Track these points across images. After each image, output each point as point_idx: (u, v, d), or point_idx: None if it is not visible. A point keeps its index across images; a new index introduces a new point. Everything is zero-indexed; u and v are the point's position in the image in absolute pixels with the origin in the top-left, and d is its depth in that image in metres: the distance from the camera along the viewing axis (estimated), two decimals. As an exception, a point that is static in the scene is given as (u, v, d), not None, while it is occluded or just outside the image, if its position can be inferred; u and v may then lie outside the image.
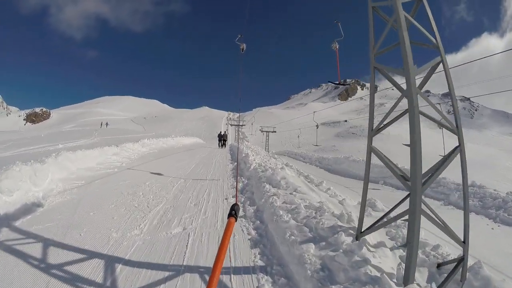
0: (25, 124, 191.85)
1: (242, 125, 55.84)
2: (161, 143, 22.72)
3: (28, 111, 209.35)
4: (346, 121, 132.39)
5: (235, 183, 9.34)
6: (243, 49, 11.90)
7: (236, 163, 14.97)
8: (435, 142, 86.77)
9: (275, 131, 59.17)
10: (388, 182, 17.04)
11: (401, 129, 73.43)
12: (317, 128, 32.59)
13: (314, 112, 36.29)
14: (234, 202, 2.76)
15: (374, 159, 5.15)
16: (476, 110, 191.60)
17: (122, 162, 13.07)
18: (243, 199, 8.16)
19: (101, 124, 69.55)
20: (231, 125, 66.81)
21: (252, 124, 73.86)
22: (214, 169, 13.55)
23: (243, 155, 16.93)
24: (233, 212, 2.20)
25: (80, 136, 24.81)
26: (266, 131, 58.92)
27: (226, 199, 8.12)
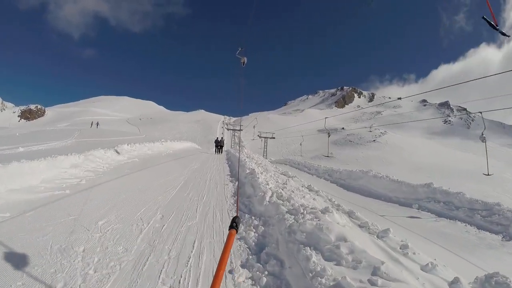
0: (19, 121, 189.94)
1: (240, 130, 52.20)
2: (146, 149, 18.97)
3: (22, 107, 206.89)
4: (343, 128, 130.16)
5: (236, 204, 8.15)
6: (244, 62, 10.78)
7: (237, 182, 11.97)
8: (438, 153, 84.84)
9: (274, 137, 55.59)
10: (425, 206, 13.67)
11: (399, 138, 71.01)
12: (328, 136, 28.56)
13: (325, 118, 32.63)
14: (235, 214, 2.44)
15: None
16: (472, 121, 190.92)
17: (82, 178, 9.30)
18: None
19: (91, 124, 65.59)
20: (228, 129, 63.17)
21: (254, 127, 69.83)
22: (208, 193, 9.75)
23: (247, 171, 13.14)
24: (234, 224, 2.12)
25: (57, 137, 21.18)
26: (265, 137, 55.29)
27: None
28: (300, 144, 50.87)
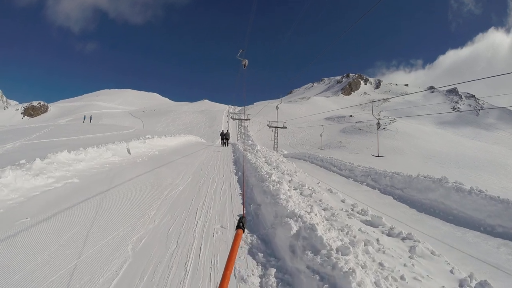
0: (22, 118, 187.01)
1: (246, 119, 46.23)
2: (104, 157, 12.16)
3: (25, 104, 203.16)
4: (351, 116, 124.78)
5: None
6: (245, 65, 11.76)
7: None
8: (449, 142, 79.33)
9: (285, 127, 49.22)
10: None
11: (409, 126, 65.44)
12: (378, 128, 21.55)
13: (373, 101, 26.58)
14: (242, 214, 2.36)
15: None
16: (481, 108, 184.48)
17: None
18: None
19: (84, 118, 59.79)
20: (233, 118, 56.87)
21: (257, 116, 63.30)
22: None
23: (271, 200, 7.00)
24: (240, 224, 2.09)
25: (4, 139, 15.78)
26: (275, 127, 48.86)
27: None
28: (320, 135, 44.16)
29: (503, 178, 47.51)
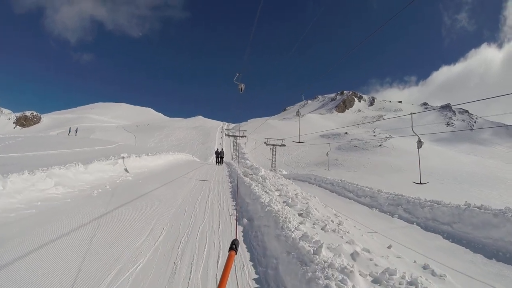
0: (14, 128, 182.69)
1: (242, 136, 42.56)
2: (39, 188, 7.97)
3: (18, 114, 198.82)
4: (346, 133, 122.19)
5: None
6: (241, 89, 11.40)
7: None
8: (446, 158, 76.65)
9: (284, 145, 45.31)
10: None
11: (405, 142, 62.77)
12: (419, 144, 16.58)
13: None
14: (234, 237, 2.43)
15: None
16: (475, 122, 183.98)
17: None
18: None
19: (69, 131, 55.46)
20: (228, 135, 52.91)
21: (251, 134, 59.32)
22: None
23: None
24: (233, 246, 2.13)
25: None
26: (273, 145, 44.90)
27: None
28: (327, 154, 40.16)
29: (503, 193, 45.66)
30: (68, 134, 50.02)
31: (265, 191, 9.17)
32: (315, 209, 7.22)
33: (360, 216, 12.81)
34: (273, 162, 44.06)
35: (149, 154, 18.66)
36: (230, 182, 14.95)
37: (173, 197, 9.80)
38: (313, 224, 6.11)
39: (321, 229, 5.87)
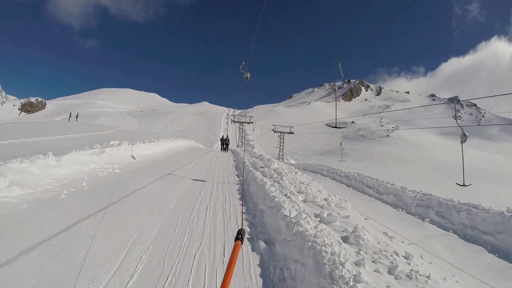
0: (19, 114, 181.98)
1: (249, 122, 40.33)
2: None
3: (23, 100, 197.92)
4: (353, 122, 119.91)
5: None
6: (247, 78, 11.26)
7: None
8: (454, 151, 74.70)
9: (292, 132, 42.98)
10: None
11: (412, 133, 61.09)
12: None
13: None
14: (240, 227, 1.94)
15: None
16: (483, 117, 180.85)
17: None
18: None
19: (70, 116, 53.33)
20: (234, 121, 50.52)
21: (253, 129, 56.81)
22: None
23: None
24: (239, 236, 2.06)
25: None
26: (281, 132, 42.54)
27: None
28: (340, 144, 37.76)
29: (511, 190, 45.39)
30: (69, 120, 48.00)
31: (285, 195, 6.90)
32: (362, 227, 4.93)
33: (387, 218, 10.72)
34: (281, 150, 41.74)
35: (146, 141, 16.39)
36: (237, 175, 12.70)
37: (164, 199, 7.56)
38: (373, 261, 3.87)
39: (388, 272, 3.64)
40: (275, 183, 8.34)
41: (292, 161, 39.52)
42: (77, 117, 48.58)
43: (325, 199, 7.11)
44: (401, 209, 12.51)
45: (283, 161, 36.58)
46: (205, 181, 10.61)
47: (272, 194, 6.72)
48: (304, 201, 6.75)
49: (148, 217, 6.07)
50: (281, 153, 41.15)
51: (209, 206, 7.34)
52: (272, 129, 43.61)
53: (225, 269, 1.65)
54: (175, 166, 13.15)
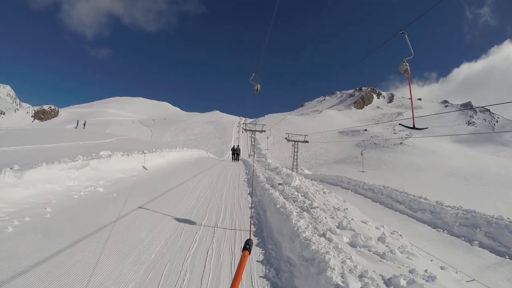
0: (32, 121, 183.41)
1: (261, 131, 38.19)
2: None
3: (36, 108, 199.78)
4: (366, 130, 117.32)
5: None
6: (257, 89, 10.78)
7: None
8: (469, 157, 72.27)
9: (307, 141, 40.55)
10: None
11: (426, 140, 58.24)
12: None
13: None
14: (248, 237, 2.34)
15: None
16: (497, 122, 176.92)
17: None
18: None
19: (77, 124, 51.68)
20: (245, 130, 48.28)
21: (267, 137, 54.36)
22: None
23: None
24: (247, 246, 2.02)
25: None
26: (295, 141, 40.11)
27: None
28: (361, 153, 35.40)
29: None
30: (76, 127, 46.38)
31: (323, 234, 4.62)
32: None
33: (430, 243, 8.90)
34: (295, 160, 39.30)
35: (145, 151, 14.17)
36: (249, 194, 10.41)
37: (147, 238, 5.31)
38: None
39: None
40: (303, 212, 6.04)
41: (307, 171, 37.14)
42: (84, 125, 46.94)
43: (381, 239, 4.79)
44: (442, 230, 10.52)
45: (297, 172, 34.25)
46: (209, 204, 8.35)
47: (304, 235, 4.46)
48: (353, 245, 4.47)
49: (111, 279, 3.82)
50: (295, 163, 38.76)
51: (212, 248, 5.08)
52: (286, 138, 41.14)
53: (232, 279, 1.61)
54: (176, 181, 10.94)
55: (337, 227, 5.18)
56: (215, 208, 7.89)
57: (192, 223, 6.35)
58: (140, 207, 7.01)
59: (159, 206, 7.40)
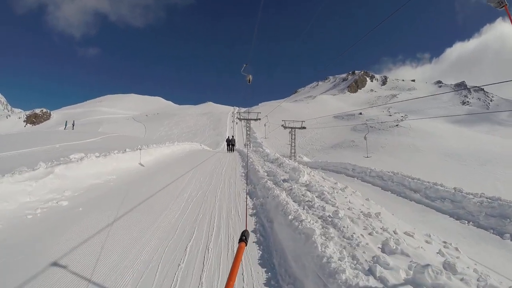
0: (25, 126, 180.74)
1: (257, 119, 36.59)
2: None
3: (28, 112, 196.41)
4: (361, 113, 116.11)
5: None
6: (249, 80, 10.89)
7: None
8: (465, 137, 71.68)
9: (304, 127, 38.93)
10: None
11: (422, 122, 57.19)
12: None
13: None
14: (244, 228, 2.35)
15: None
16: (491, 101, 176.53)
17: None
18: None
19: (65, 125, 49.61)
20: (240, 119, 46.47)
21: (265, 125, 52.31)
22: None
23: None
24: (243, 238, 2.01)
25: None
26: (292, 127, 38.45)
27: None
28: (365, 137, 34.23)
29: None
30: (65, 128, 44.46)
31: (370, 271, 3.01)
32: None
33: (456, 237, 7.55)
34: (293, 148, 37.72)
35: (128, 149, 12.46)
36: (249, 195, 8.81)
37: (109, 276, 3.73)
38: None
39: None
40: (328, 227, 4.35)
41: (306, 159, 35.60)
42: (73, 125, 44.94)
43: (448, 266, 3.20)
44: (467, 222, 9.20)
45: (295, 160, 32.71)
46: (199, 213, 6.72)
47: (343, 277, 2.88)
48: (417, 285, 2.89)
49: None
50: (293, 151, 37.16)
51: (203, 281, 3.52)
52: (282, 125, 39.45)
53: (229, 271, 1.64)
54: (162, 184, 9.28)
55: (382, 250, 3.59)
56: (206, 219, 6.27)
57: (173, 248, 4.72)
58: (109, 225, 5.41)
59: (134, 221, 5.77)
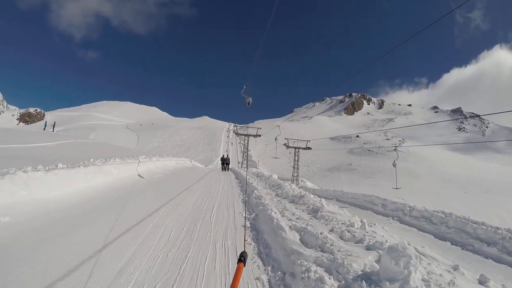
0: (17, 124, 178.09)
1: (256, 135, 32.69)
2: None
3: (22, 111, 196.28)
4: (358, 136, 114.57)
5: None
6: (249, 102, 10.98)
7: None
8: (464, 164, 69.39)
9: (309, 148, 35.15)
10: None
11: (420, 147, 55.11)
12: None
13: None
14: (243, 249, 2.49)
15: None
16: (487, 127, 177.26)
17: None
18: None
19: (45, 125, 45.11)
20: (237, 134, 42.19)
21: (276, 139, 48.06)
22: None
23: None
24: (242, 258, 2.04)
25: None
26: (295, 148, 34.54)
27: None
28: (393, 164, 30.46)
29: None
30: (44, 129, 40.32)
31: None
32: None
33: None
34: (295, 171, 33.82)
35: (96, 162, 8.40)
36: (258, 255, 4.95)
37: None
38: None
39: None
40: None
41: (309, 184, 31.65)
42: (53, 126, 40.84)
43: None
44: None
45: (297, 184, 28.91)
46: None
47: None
48: None
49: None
50: (295, 174, 33.24)
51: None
52: (285, 144, 35.21)
53: None
54: (124, 225, 5.35)
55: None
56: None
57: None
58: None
59: None
